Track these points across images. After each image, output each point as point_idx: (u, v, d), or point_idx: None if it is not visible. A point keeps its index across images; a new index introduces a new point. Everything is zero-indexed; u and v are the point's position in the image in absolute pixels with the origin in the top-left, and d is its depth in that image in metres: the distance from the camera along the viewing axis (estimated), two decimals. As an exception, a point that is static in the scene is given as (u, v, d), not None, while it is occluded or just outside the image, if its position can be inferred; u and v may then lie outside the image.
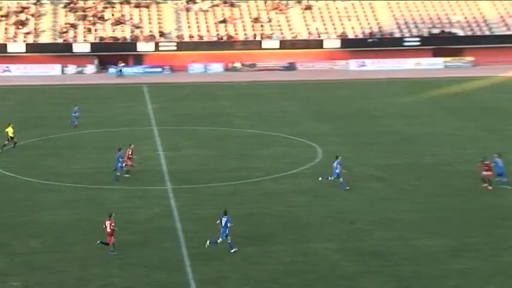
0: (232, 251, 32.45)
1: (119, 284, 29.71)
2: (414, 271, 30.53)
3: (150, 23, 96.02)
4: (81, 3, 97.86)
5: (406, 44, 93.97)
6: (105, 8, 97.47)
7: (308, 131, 57.22)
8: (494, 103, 68.59)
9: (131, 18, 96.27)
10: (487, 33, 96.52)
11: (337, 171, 41.73)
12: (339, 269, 30.88)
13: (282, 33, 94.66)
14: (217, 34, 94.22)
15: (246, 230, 35.39)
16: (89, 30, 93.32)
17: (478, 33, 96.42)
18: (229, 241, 32.60)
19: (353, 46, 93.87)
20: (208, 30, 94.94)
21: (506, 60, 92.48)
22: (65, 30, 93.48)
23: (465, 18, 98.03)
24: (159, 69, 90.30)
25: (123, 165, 44.16)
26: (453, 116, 62.97)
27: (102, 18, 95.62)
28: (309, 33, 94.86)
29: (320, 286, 29.31)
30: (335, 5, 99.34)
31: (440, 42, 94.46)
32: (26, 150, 51.92)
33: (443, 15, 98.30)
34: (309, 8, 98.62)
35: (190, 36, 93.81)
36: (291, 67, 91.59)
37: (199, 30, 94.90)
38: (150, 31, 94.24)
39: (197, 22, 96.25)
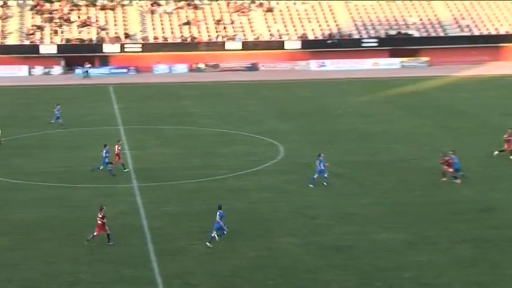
0: (207, 243, 32.48)
1: (87, 279, 29.53)
2: (373, 264, 30.72)
3: (115, 25, 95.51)
4: (47, 6, 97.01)
5: (364, 45, 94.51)
6: (71, 10, 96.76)
7: (270, 130, 57.30)
8: (449, 102, 69.23)
9: (97, 21, 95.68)
10: (442, 34, 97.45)
11: (322, 167, 41.67)
12: (301, 263, 30.97)
13: (244, 35, 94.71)
14: (182, 36, 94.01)
15: (211, 226, 35.32)
16: (56, 32, 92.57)
17: (433, 34, 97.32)
18: (212, 234, 32.62)
19: (313, 47, 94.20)
20: (172, 32, 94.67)
21: (459, 60, 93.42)
22: (31, 32, 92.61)
23: (420, 20, 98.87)
24: (125, 70, 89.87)
25: (108, 161, 44.02)
26: (410, 114, 63.44)
27: (68, 20, 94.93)
28: (270, 34, 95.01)
29: (283, 280, 29.37)
30: (295, 8, 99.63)
31: (397, 43, 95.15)
32: (-6, 149, 51.43)
33: (399, 17, 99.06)
34: (270, 10, 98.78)
35: (155, 38, 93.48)
36: (253, 67, 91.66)
37: (163, 32, 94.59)
38: (116, 33, 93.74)
39: (162, 24, 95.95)
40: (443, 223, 35.61)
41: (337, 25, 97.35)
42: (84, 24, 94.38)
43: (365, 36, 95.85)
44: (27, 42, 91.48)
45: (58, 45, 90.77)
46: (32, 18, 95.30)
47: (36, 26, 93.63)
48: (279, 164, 47.12)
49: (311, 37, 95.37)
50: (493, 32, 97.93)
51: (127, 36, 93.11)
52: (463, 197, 39.78)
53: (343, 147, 51.40)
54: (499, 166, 45.90)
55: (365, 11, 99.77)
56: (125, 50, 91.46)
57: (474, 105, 67.30)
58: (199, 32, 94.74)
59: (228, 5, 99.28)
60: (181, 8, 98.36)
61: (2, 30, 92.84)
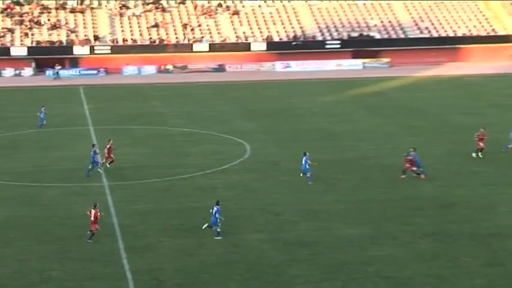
0: (216, 238, 32.75)
1: (58, 277, 29.26)
2: (337, 259, 30.81)
3: (85, 27, 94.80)
4: (17, 9, 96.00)
5: (327, 46, 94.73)
6: (41, 13, 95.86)
7: (237, 129, 57.23)
8: (409, 101, 69.63)
9: (67, 23, 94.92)
10: (402, 36, 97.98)
11: (307, 166, 41.85)
12: (267, 258, 30.96)
13: (211, 37, 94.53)
14: (150, 38, 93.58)
15: (180, 223, 35.24)
16: (26, 34, 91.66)
17: (394, 36, 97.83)
18: (218, 230, 32.97)
19: (278, 49, 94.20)
20: (141, 34, 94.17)
21: (419, 61, 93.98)
22: (2, 34, 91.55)
23: (381, 22, 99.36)
24: (95, 72, 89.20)
25: (98, 160, 43.93)
26: (372, 113, 63.73)
27: (38, 23, 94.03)
28: (236, 36, 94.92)
29: (249, 275, 29.35)
30: (261, 10, 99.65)
31: (359, 45, 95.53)
32: (-34, 150, 50.77)
33: (361, 20, 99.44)
34: (236, 13, 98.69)
35: (124, 40, 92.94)
36: (220, 69, 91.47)
37: (132, 34, 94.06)
38: (85, 35, 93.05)
39: (130, 26, 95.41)
40: (405, 218, 35.81)
41: (301, 27, 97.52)
42: (54, 27, 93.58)
43: (328, 38, 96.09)
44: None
45: (28, 48, 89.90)
46: (3, 21, 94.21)
47: (6, 28, 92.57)
48: (246, 163, 47.09)
49: (276, 39, 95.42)
50: (451, 34, 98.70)
51: (96, 38, 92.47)
52: (423, 193, 40.04)
53: (308, 146, 51.33)
54: (458, 163, 46.27)
55: (328, 14, 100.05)
56: (95, 52, 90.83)
57: (433, 104, 67.77)
58: (167, 34, 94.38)
59: (195, 8, 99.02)
60: (149, 11, 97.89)
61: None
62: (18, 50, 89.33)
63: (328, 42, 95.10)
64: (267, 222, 35.33)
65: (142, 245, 32.36)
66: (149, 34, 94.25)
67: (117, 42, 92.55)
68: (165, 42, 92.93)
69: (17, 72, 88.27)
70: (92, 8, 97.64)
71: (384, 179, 42.78)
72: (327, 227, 34.79)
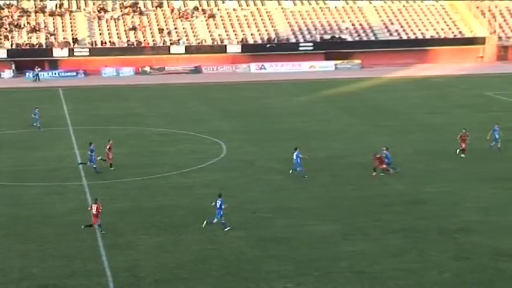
0: (225, 229, 33.16)
1: (38, 274, 29.12)
2: (310, 254, 30.92)
3: (64, 30, 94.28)
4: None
5: (301, 48, 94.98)
6: (21, 16, 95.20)
7: (214, 129, 57.21)
8: (380, 102, 69.98)
9: (46, 26, 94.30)
10: (373, 38, 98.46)
11: (298, 161, 42.16)
12: (243, 255, 31.02)
13: (187, 40, 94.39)
14: (128, 40, 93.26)
15: (158, 221, 35.22)
16: (6, 37, 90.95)
17: (365, 38, 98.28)
18: (223, 221, 33.33)
19: (253, 51, 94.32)
20: (119, 37, 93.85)
21: (389, 62, 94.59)
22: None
23: (353, 25, 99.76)
24: (74, 74, 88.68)
25: (96, 158, 43.88)
26: (344, 113, 63.97)
27: (18, 26, 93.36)
28: (212, 39, 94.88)
29: (226, 271, 29.39)
30: (236, 14, 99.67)
31: (331, 47, 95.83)
32: None
33: (333, 23, 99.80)
34: (212, 16, 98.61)
35: (103, 43, 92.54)
36: (197, 70, 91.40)
37: (110, 37, 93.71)
38: (64, 38, 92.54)
39: (108, 29, 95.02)
40: (375, 215, 36.00)
41: (275, 30, 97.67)
42: (34, 30, 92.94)
43: (301, 40, 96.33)
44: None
45: (8, 50, 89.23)
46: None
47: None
48: (222, 162, 47.10)
49: (251, 41, 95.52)
50: (420, 37, 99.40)
51: (75, 41, 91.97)
52: (393, 191, 40.28)
53: (282, 145, 51.49)
54: (427, 161, 46.59)
55: (301, 17, 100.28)
56: (74, 54, 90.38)
57: (403, 104, 68.18)
58: (144, 36, 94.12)
59: (172, 11, 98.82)
60: (127, 14, 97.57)
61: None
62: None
63: (301, 44, 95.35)
64: (243, 220, 35.36)
65: (121, 243, 32.28)
66: (127, 37, 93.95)
67: (96, 44, 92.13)
68: (143, 45, 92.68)
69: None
70: (71, 12, 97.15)
71: (356, 176, 42.97)
72: (301, 223, 34.90)
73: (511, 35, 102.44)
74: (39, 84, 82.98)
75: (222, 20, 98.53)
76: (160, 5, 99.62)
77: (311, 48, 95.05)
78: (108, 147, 44.87)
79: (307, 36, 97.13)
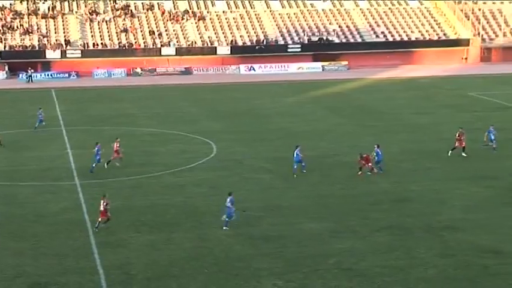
0: (224, 228, 33.28)
1: (31, 272, 28.96)
2: (300, 251, 30.89)
3: (56, 32, 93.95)
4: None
5: (289, 50, 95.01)
6: (14, 18, 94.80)
7: (204, 129, 57.12)
8: (366, 102, 70.06)
9: (39, 28, 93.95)
10: (359, 40, 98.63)
11: (300, 158, 42.38)
12: (233, 252, 30.95)
13: (178, 42, 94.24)
14: (120, 42, 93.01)
15: (150, 219, 35.11)
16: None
17: (351, 40, 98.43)
18: (227, 219, 33.37)
19: (242, 52, 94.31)
20: (111, 39, 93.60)
21: (375, 63, 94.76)
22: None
23: (340, 27, 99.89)
24: (66, 75, 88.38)
25: (100, 158, 43.93)
26: (331, 113, 64.00)
27: (11, 28, 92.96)
28: (202, 41, 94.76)
29: (216, 268, 29.31)
30: (225, 16, 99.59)
31: (319, 49, 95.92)
32: None
33: (320, 25, 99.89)
34: (202, 18, 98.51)
35: (95, 45, 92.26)
36: (187, 72, 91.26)
37: (102, 39, 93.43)
38: (57, 40, 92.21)
39: (100, 31, 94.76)
40: (363, 213, 36.01)
41: (264, 32, 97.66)
42: (27, 32, 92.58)
43: (290, 42, 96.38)
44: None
45: (1, 52, 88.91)
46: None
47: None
48: (212, 161, 47.02)
49: (240, 43, 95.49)
50: (405, 38, 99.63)
51: (68, 43, 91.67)
52: (380, 189, 40.30)
53: (271, 145, 51.56)
54: (413, 160, 46.65)
55: (289, 20, 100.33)
56: (66, 56, 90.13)
57: (389, 105, 68.27)
58: (135, 38, 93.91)
59: (162, 13, 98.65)
60: (119, 16, 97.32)
61: None
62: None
63: (289, 46, 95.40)
64: (233, 218, 35.23)
65: (113, 241, 32.15)
66: (118, 39, 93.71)
67: (88, 46, 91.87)
68: (134, 47, 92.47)
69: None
70: (63, 14, 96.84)
71: (344, 175, 42.96)
72: (290, 221, 34.85)
73: (494, 37, 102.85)
74: (32, 86, 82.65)
75: (211, 22, 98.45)
76: (151, 8, 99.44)
77: (299, 50, 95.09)
78: (116, 145, 44.82)
79: (295, 38, 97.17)
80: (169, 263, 29.83)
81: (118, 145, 45.02)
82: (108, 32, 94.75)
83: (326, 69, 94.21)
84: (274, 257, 30.30)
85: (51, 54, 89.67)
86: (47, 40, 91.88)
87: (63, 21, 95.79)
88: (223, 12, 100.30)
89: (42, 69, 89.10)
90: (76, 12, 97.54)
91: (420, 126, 57.76)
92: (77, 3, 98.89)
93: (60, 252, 30.84)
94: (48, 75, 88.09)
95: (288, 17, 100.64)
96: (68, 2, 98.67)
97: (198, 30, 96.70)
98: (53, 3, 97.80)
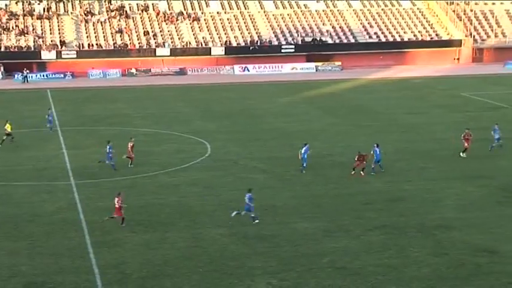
0: (254, 222, 33.72)
1: (27, 271, 28.88)
2: (294, 251, 30.88)
3: (51, 33, 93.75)
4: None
5: (283, 51, 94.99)
6: (9, 19, 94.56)
7: (198, 129, 57.06)
8: (360, 102, 70.08)
9: (34, 29, 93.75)
10: (352, 41, 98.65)
11: (305, 156, 42.90)
12: (228, 252, 30.91)
13: (173, 42, 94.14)
14: (115, 43, 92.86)
15: (145, 219, 35.05)
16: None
17: (345, 41, 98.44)
18: (242, 213, 34.06)
19: (237, 53, 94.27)
20: (106, 40, 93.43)
21: (369, 64, 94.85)
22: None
23: (333, 28, 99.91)
24: (61, 75, 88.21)
25: (112, 156, 43.95)
26: (325, 113, 63.99)
27: (6, 29, 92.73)
28: (197, 42, 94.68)
29: (211, 267, 29.28)
30: (220, 17, 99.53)
31: (313, 49, 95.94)
32: None
33: (314, 26, 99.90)
34: (196, 19, 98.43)
35: (90, 45, 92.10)
36: (182, 72, 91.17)
37: (97, 40, 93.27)
38: (52, 40, 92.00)
39: (95, 32, 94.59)
40: (356, 212, 36.02)
41: (258, 33, 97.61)
42: (22, 33, 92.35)
43: (283, 43, 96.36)
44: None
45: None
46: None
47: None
48: (207, 161, 46.97)
49: (234, 44, 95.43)
50: (398, 39, 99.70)
51: (63, 43, 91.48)
52: (373, 189, 40.31)
53: (265, 145, 51.54)
54: (406, 160, 46.68)
55: (283, 20, 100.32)
56: (62, 56, 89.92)
57: (382, 105, 68.30)
58: (130, 39, 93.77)
59: (157, 14, 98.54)
60: (113, 17, 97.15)
61: None
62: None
63: (283, 47, 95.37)
64: (228, 218, 35.22)
65: (108, 240, 32.09)
66: (113, 39, 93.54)
67: (83, 47, 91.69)
68: (129, 47, 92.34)
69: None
70: (59, 15, 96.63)
71: (336, 175, 42.97)
72: (284, 221, 34.83)
73: (486, 37, 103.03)
74: (27, 86, 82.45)
75: (206, 23, 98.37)
76: (146, 9, 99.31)
77: (293, 50, 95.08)
78: (131, 145, 44.91)
79: (289, 39, 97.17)
80: (164, 262, 29.78)
81: (132, 145, 44.97)
82: (103, 32, 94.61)
83: (320, 69, 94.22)
84: (268, 256, 30.28)
85: (47, 55, 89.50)
86: (43, 41, 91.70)
87: (58, 22, 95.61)
88: (218, 13, 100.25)
89: (37, 70, 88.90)
90: (71, 13, 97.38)
91: (413, 126, 57.81)
92: (72, 4, 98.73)
93: (56, 252, 30.76)
94: (43, 75, 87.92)
95: (282, 18, 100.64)
96: (63, 3, 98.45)
97: (192, 30, 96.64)
98: (48, 4, 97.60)
